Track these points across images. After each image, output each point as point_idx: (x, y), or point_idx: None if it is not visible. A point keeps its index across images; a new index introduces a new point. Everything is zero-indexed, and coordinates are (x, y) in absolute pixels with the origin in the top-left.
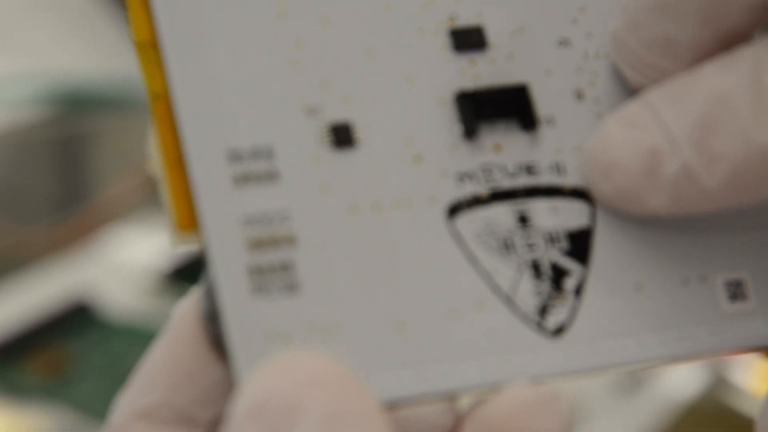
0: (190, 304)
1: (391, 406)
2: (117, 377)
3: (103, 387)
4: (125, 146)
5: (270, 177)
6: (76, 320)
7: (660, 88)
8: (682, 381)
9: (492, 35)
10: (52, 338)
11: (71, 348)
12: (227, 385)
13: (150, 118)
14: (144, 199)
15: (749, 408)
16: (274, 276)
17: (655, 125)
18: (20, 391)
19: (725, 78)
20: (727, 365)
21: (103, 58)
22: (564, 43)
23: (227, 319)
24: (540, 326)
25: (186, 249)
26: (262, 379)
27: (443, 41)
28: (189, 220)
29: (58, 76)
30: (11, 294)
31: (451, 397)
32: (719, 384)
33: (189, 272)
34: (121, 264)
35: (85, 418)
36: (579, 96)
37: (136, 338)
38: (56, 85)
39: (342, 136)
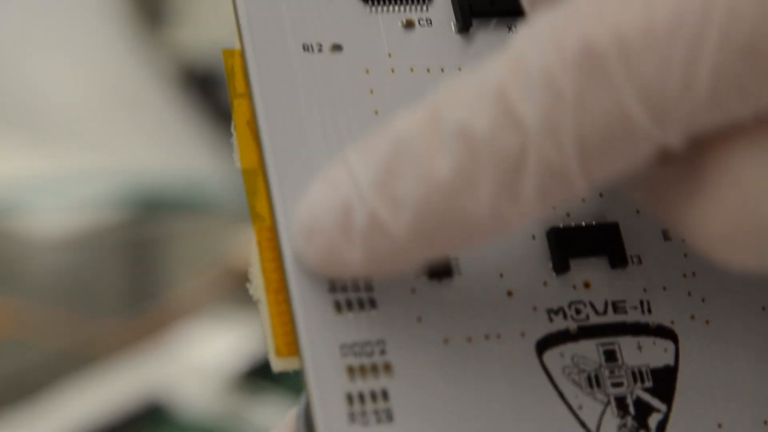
0: (285, 424)
1: None
2: None
3: None
4: (200, 247)
5: (369, 306)
6: (149, 419)
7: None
8: None
9: None
10: None
11: None
12: None
13: (251, 240)
14: (219, 297)
15: None
16: (369, 404)
17: (346, 176)
18: None
19: (407, 117)
20: None
21: (177, 159)
22: None
23: None
24: None
25: (282, 366)
26: None
27: None
28: (288, 347)
29: (133, 176)
30: (84, 390)
31: None
32: None
33: (264, 371)
34: (196, 362)
35: None
36: (667, 235)
37: None
38: (131, 185)
39: (440, 267)
